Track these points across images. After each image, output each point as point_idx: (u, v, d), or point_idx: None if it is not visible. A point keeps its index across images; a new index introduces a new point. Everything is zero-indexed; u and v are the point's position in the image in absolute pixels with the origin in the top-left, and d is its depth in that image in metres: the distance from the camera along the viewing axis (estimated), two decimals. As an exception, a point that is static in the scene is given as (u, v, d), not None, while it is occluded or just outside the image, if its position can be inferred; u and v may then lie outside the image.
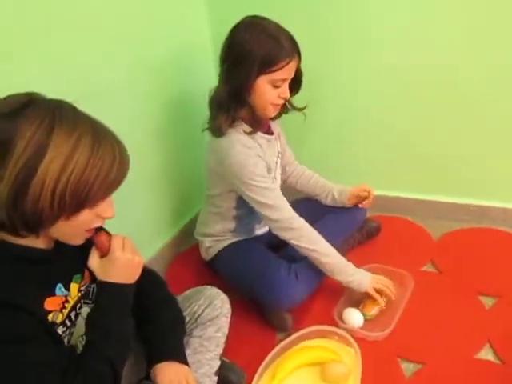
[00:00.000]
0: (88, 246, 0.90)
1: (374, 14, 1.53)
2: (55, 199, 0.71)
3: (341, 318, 1.31)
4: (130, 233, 1.07)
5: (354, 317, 1.30)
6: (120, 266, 0.85)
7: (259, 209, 1.28)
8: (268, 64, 1.18)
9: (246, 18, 1.24)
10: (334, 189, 1.56)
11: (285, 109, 1.36)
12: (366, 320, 1.31)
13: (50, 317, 0.82)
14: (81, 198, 0.74)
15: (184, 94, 1.61)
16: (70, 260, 0.89)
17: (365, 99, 1.68)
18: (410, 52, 1.53)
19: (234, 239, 1.46)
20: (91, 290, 0.95)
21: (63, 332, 0.86)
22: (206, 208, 1.50)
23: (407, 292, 1.37)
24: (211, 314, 1.09)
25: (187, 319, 1.08)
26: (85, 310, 0.92)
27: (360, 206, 1.57)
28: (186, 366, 0.97)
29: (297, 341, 1.25)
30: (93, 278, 0.94)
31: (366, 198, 1.54)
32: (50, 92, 0.77)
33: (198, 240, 1.56)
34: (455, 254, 1.56)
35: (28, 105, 0.72)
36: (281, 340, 1.26)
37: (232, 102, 1.24)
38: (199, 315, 1.09)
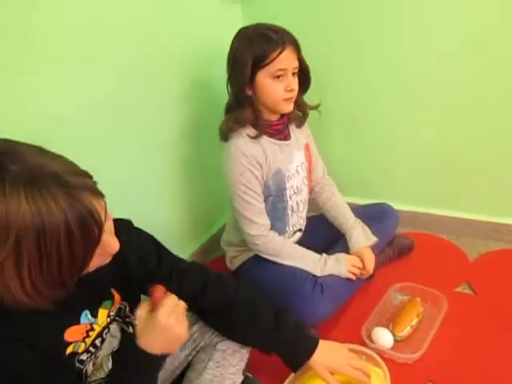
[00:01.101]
0: (125, 267, 0.89)
1: (406, 27, 1.51)
2: (28, 290, 0.64)
3: (369, 337, 1.26)
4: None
5: (383, 337, 1.24)
6: (158, 329, 0.80)
7: (237, 216, 1.34)
8: (260, 59, 1.20)
9: (240, 28, 1.29)
10: (347, 235, 1.44)
11: (297, 106, 1.35)
12: (395, 341, 1.26)
13: (70, 348, 0.79)
14: (57, 280, 0.65)
15: (215, 97, 1.61)
16: (100, 285, 0.86)
17: (396, 108, 1.65)
18: (448, 63, 1.50)
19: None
20: (123, 307, 0.92)
21: (87, 357, 0.84)
22: (231, 216, 1.49)
23: (441, 314, 1.31)
24: None
25: (212, 331, 1.06)
26: (114, 328, 0.90)
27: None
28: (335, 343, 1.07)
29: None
30: (123, 297, 0.91)
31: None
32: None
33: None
34: (493, 275, 1.48)
35: None
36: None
37: (235, 106, 1.28)
38: None
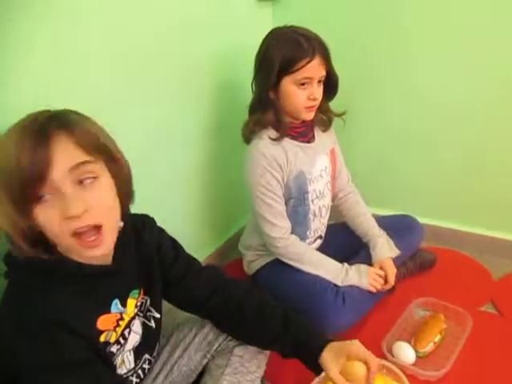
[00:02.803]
0: (149, 260, 0.90)
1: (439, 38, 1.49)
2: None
3: (390, 352, 1.21)
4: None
5: (405, 352, 1.20)
6: None
7: (257, 219, 1.31)
8: (288, 65, 1.19)
9: (273, 28, 1.27)
10: (371, 243, 1.41)
11: (321, 112, 1.34)
12: (417, 357, 1.21)
13: (102, 337, 0.79)
14: (12, 195, 0.67)
15: (240, 98, 1.58)
16: (129, 275, 0.86)
17: (423, 121, 1.63)
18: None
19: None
20: (144, 301, 0.92)
21: (117, 350, 0.83)
22: (251, 219, 1.46)
23: (465, 332, 1.25)
24: None
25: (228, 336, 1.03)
26: (136, 324, 0.89)
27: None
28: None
29: (341, 371, 1.16)
30: (146, 290, 0.92)
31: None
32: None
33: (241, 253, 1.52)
34: (519, 296, 1.43)
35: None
36: (324, 368, 1.18)
37: (258, 107, 1.27)
38: None
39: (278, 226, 1.29)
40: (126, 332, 0.86)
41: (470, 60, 1.47)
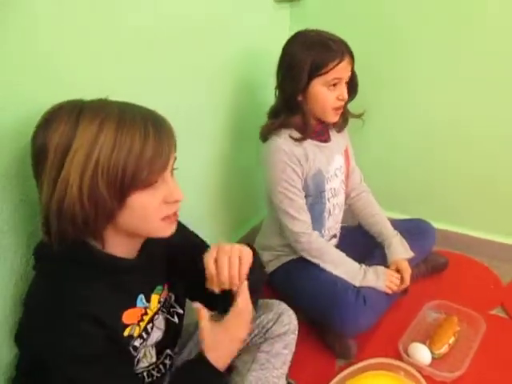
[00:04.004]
0: (174, 256, 0.90)
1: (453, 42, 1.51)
2: (84, 192, 0.67)
3: (406, 352, 1.23)
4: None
5: (421, 353, 1.22)
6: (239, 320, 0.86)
7: (279, 214, 1.32)
8: (318, 67, 1.20)
9: (297, 32, 1.28)
10: (386, 243, 1.43)
11: (344, 115, 1.36)
12: (433, 358, 1.23)
13: (127, 330, 0.80)
14: (117, 182, 0.68)
15: (258, 100, 1.59)
16: (154, 270, 0.88)
17: (439, 125, 1.65)
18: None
19: (295, 255, 1.39)
20: (168, 298, 0.93)
21: (140, 344, 0.84)
22: (268, 218, 1.47)
23: (479, 334, 1.28)
24: (279, 330, 1.04)
25: (255, 332, 1.03)
26: (159, 319, 0.90)
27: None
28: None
29: (358, 371, 1.17)
30: (170, 287, 0.93)
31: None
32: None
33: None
34: (529, 300, 1.46)
35: (58, 109, 0.71)
36: (341, 368, 1.20)
37: (284, 110, 1.28)
38: (268, 330, 1.04)
39: (301, 220, 1.30)
40: (148, 327, 0.87)
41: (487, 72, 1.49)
